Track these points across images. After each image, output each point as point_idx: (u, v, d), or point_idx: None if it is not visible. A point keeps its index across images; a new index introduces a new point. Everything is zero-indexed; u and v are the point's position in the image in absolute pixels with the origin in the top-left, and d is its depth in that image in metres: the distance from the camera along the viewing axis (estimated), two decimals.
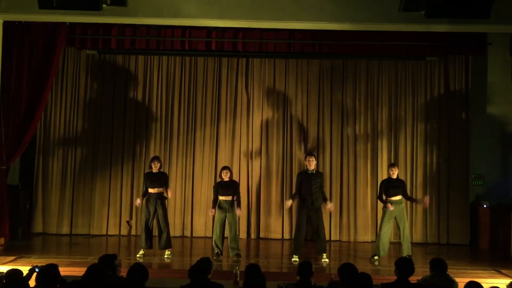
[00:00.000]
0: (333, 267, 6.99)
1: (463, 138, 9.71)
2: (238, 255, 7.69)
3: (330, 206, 7.98)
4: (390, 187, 7.81)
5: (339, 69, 10.00)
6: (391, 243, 8.28)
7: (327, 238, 8.60)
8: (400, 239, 7.96)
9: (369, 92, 9.94)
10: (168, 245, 7.80)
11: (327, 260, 7.62)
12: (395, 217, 7.83)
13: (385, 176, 8.72)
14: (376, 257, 7.73)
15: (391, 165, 8.15)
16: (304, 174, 7.89)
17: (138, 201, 7.90)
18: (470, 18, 7.32)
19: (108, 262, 4.65)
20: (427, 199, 8.03)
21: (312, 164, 7.80)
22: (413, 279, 4.72)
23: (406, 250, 7.71)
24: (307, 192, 7.70)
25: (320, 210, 7.79)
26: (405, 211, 7.99)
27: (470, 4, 7.08)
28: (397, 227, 8.01)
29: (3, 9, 7.77)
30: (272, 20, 7.87)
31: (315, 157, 8.03)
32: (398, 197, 7.80)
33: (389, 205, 7.66)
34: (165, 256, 7.76)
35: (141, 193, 8.13)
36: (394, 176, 7.87)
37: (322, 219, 7.81)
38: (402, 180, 8.12)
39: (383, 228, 7.76)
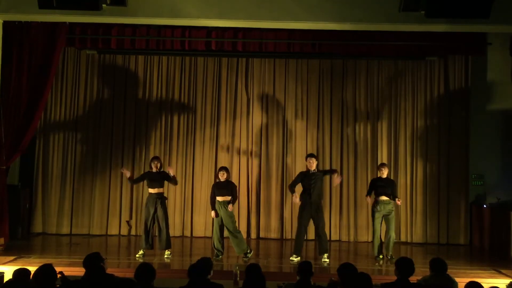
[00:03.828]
0: (333, 267, 6.99)
1: (463, 138, 9.70)
2: (245, 254, 7.70)
3: (337, 177, 8.07)
4: (378, 186, 7.84)
5: (339, 69, 10.00)
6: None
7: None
8: (384, 238, 7.93)
9: (369, 92, 9.94)
10: (167, 246, 7.79)
11: (327, 260, 7.61)
12: (383, 217, 7.86)
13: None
14: (381, 256, 7.78)
15: (380, 165, 8.18)
16: (305, 173, 7.89)
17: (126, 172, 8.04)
18: (470, 18, 7.31)
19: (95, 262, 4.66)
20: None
21: (313, 165, 7.83)
22: (413, 279, 4.71)
23: (390, 250, 7.75)
24: (307, 192, 7.73)
25: (320, 209, 7.79)
26: (394, 212, 7.95)
27: (470, 4, 7.07)
28: (386, 226, 8.00)
29: (3, 9, 7.76)
30: (272, 20, 7.86)
31: (315, 158, 8.03)
32: (386, 197, 7.81)
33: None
34: (165, 256, 7.75)
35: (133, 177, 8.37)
36: (384, 176, 7.90)
37: (323, 219, 7.82)
38: (391, 180, 8.14)
39: (375, 229, 7.83)
